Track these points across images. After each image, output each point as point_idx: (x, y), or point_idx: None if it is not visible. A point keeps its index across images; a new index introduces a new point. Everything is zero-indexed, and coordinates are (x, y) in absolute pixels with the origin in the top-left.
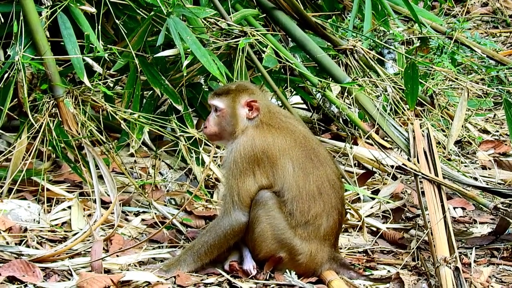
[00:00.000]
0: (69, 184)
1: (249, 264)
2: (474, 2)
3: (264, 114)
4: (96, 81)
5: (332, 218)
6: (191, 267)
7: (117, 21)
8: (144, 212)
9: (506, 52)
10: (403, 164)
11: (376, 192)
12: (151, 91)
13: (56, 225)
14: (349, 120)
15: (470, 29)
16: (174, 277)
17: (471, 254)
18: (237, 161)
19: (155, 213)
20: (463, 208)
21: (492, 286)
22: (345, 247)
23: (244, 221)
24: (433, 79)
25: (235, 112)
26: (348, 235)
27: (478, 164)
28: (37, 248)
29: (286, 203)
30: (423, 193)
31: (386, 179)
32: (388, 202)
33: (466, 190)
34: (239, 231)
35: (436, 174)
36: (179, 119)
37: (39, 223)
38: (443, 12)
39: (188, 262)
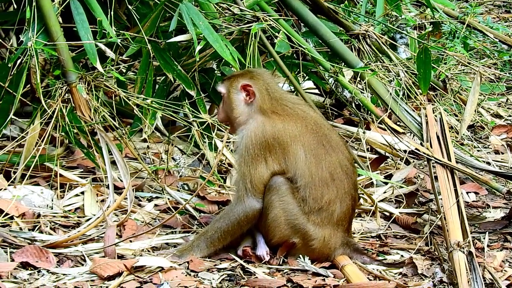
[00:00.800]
0: (82, 170)
1: (262, 250)
2: None
3: (264, 99)
4: (109, 67)
5: (345, 204)
6: (204, 253)
7: (129, 6)
8: (157, 197)
9: None
10: (416, 148)
11: (389, 176)
12: (164, 77)
13: (69, 210)
14: (361, 105)
15: (482, 13)
16: (187, 262)
17: (484, 238)
18: (249, 147)
19: (168, 199)
20: (476, 193)
21: (505, 270)
22: (358, 232)
23: (258, 208)
24: (445, 63)
25: (232, 96)
26: (361, 220)
27: (490, 148)
28: (50, 234)
29: (299, 190)
30: (436, 177)
31: (399, 164)
32: (401, 187)
33: (479, 174)
34: (252, 217)
35: (449, 159)
36: (192, 104)
37: (52, 208)
38: None
39: (202, 247)
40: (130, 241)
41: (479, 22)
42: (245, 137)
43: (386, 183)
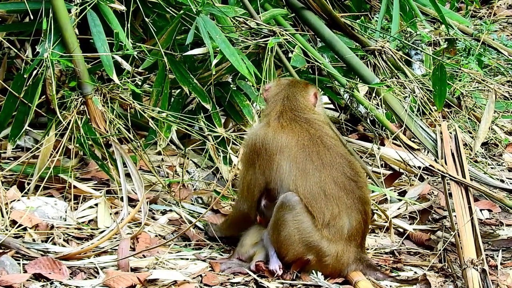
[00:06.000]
0: (96, 182)
1: (275, 264)
2: (500, 4)
3: (270, 106)
4: (125, 79)
5: (354, 218)
6: (222, 235)
7: (146, 19)
8: (170, 210)
9: None
10: (430, 165)
11: (403, 193)
12: (179, 90)
13: (83, 222)
14: (376, 120)
15: (496, 31)
16: (201, 275)
17: (497, 256)
18: (245, 150)
19: (182, 212)
20: (490, 210)
21: None
22: (371, 248)
23: (246, 211)
24: (460, 80)
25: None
26: (375, 235)
27: (504, 166)
28: (63, 246)
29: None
30: (450, 194)
31: (413, 180)
32: (415, 204)
33: (493, 192)
34: (243, 218)
35: (464, 176)
36: (207, 118)
37: (65, 220)
38: (469, 14)
39: (220, 230)
40: (144, 256)
41: (493, 40)
42: (244, 140)
43: (400, 200)
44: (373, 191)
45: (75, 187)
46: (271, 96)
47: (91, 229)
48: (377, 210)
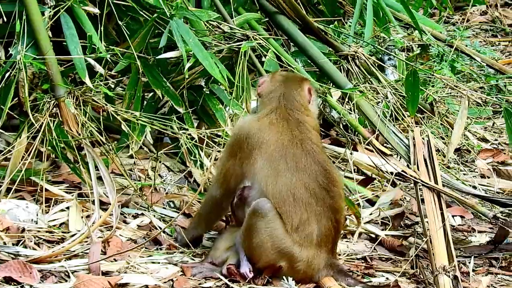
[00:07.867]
0: (68, 185)
1: (245, 267)
2: (474, 11)
3: (263, 101)
4: (98, 82)
5: (323, 226)
6: (193, 233)
7: (119, 22)
8: (142, 214)
9: (505, 61)
10: (403, 171)
11: (375, 198)
12: (152, 93)
13: (54, 225)
14: (349, 125)
15: (469, 37)
16: (172, 280)
17: (469, 263)
18: (230, 139)
19: (154, 216)
20: (462, 217)
21: None
22: (343, 254)
23: (219, 198)
24: (433, 86)
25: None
26: (347, 241)
27: (477, 172)
28: (34, 249)
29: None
30: (422, 200)
31: (385, 186)
32: (388, 209)
33: (465, 198)
34: (214, 204)
35: (436, 182)
36: (180, 121)
37: (37, 223)
38: (442, 20)
39: (190, 228)
40: (114, 260)
41: (466, 46)
42: (233, 128)
43: (372, 204)
44: (350, 195)
45: (46, 190)
46: (266, 93)
47: (62, 232)
48: (350, 215)
